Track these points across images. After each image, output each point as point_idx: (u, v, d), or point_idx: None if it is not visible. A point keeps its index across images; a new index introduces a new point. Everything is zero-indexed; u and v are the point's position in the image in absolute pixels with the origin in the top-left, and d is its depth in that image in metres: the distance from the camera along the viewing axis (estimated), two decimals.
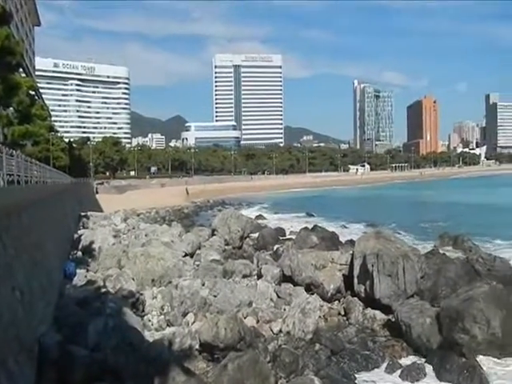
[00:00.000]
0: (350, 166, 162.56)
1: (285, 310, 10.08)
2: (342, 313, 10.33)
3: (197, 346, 8.06)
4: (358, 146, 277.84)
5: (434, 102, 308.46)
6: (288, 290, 11.15)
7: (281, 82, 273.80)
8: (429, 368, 7.65)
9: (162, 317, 10.04)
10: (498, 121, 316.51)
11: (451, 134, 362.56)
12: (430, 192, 73.84)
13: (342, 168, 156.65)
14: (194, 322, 9.63)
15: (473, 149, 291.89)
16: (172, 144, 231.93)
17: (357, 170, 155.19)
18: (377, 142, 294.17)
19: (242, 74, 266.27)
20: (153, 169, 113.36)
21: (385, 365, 7.93)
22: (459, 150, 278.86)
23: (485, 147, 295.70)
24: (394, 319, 9.18)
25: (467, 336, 7.74)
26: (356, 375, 7.58)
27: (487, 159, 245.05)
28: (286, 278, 12.21)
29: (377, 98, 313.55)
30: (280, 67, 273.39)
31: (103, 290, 10.73)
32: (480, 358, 7.55)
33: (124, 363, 6.06)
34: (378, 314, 9.72)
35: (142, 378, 5.88)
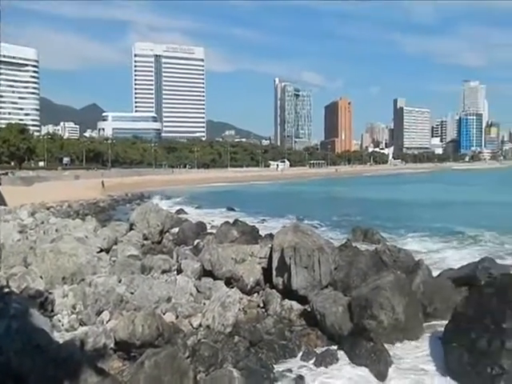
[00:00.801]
0: (270, 161, 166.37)
1: (205, 304, 10.04)
2: (261, 305, 10.54)
3: (112, 345, 7.73)
4: (279, 143, 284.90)
5: (349, 103, 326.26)
6: (208, 285, 11.12)
7: (203, 74, 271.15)
8: (341, 354, 8.09)
9: (74, 316, 9.47)
10: (404, 124, 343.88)
11: (363, 134, 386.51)
12: (345, 188, 78.13)
13: (262, 163, 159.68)
14: (109, 320, 9.21)
15: (382, 149, 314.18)
16: (87, 134, 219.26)
17: (277, 165, 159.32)
18: (296, 139, 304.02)
19: (164, 65, 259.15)
20: (65, 160, 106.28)
21: (301, 353, 8.22)
22: (370, 149, 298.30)
23: (392, 147, 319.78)
24: (309, 309, 9.57)
25: (375, 322, 8.30)
26: (274, 364, 7.78)
27: (394, 159, 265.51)
28: (206, 273, 12.17)
29: (296, 97, 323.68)
30: (202, 60, 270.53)
31: (6, 290, 9.83)
32: (386, 342, 8.13)
33: (30, 366, 5.62)
34: (295, 305, 10.07)
35: (51, 380, 5.50)
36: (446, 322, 8.13)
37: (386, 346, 7.96)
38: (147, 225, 18.78)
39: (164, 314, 9.40)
